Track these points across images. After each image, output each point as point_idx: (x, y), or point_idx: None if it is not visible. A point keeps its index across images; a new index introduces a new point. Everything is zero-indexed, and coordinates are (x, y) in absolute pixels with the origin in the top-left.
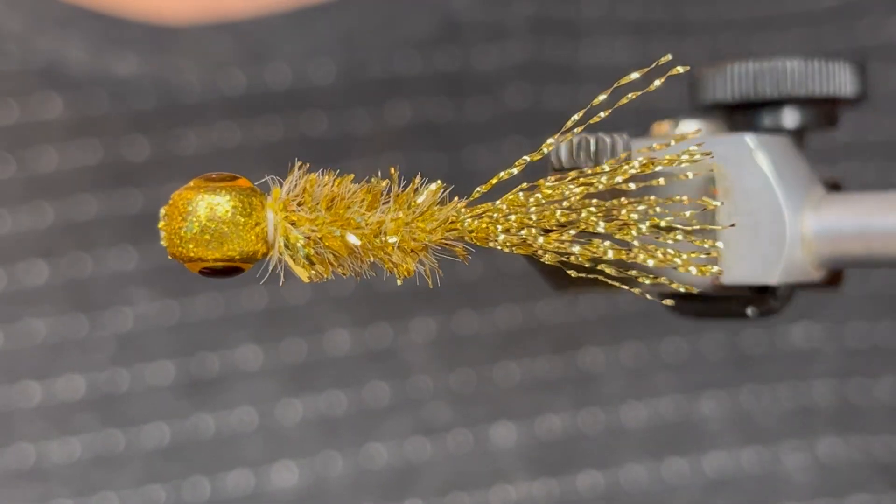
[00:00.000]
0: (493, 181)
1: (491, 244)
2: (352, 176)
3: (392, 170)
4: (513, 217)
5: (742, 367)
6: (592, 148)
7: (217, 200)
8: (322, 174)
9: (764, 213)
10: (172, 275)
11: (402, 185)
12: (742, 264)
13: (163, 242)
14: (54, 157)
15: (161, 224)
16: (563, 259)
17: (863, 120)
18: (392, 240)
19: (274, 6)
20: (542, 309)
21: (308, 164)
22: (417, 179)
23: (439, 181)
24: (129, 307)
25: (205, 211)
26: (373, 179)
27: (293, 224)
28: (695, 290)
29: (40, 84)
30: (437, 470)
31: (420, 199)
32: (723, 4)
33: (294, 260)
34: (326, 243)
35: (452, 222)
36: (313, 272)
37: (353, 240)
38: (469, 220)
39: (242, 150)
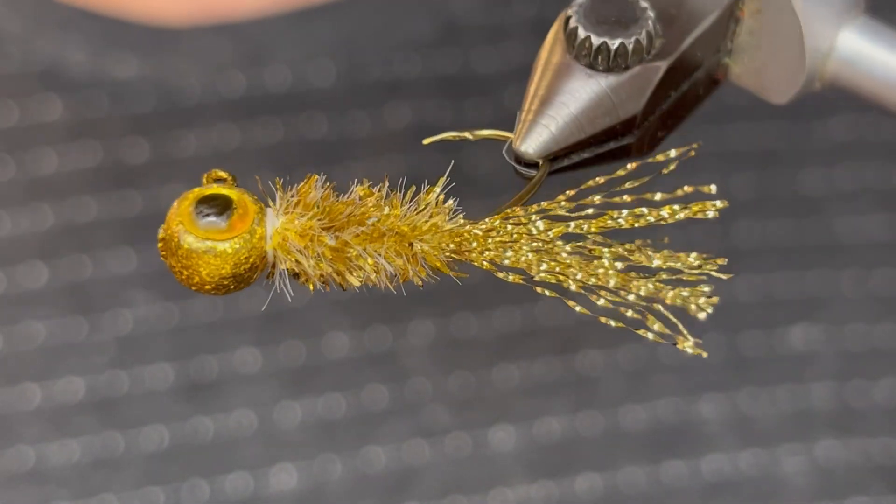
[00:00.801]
0: (504, 208)
1: (500, 274)
2: (352, 198)
3: (397, 203)
4: (526, 253)
5: (740, 370)
6: (611, 55)
7: (215, 254)
8: (322, 195)
9: (788, 44)
10: (171, 278)
11: (403, 191)
12: (754, 75)
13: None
14: (54, 159)
15: (159, 245)
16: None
17: (862, 120)
18: (390, 268)
19: (274, 8)
20: (541, 311)
21: (312, 177)
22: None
23: (432, 190)
24: (128, 310)
25: (203, 267)
26: (375, 193)
27: (293, 259)
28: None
29: (40, 86)
30: (435, 473)
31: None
32: None
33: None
34: (327, 273)
35: (458, 247)
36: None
37: (353, 281)
38: (478, 250)
39: (242, 152)
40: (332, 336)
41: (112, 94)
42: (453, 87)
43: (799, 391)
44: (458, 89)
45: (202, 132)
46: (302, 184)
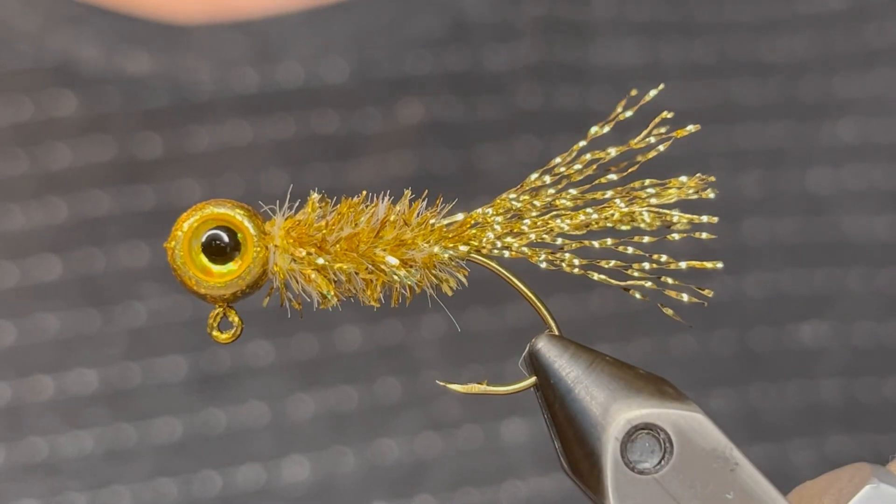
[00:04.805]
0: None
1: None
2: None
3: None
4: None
5: (751, 365)
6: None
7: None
8: (327, 217)
9: None
10: None
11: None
12: None
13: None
14: (67, 153)
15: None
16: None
17: (869, 122)
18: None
19: (286, 6)
20: (553, 305)
21: (321, 201)
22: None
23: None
24: (140, 302)
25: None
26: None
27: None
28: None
29: (54, 82)
30: (447, 465)
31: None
32: (731, 6)
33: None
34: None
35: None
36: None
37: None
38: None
39: (254, 148)
40: (345, 329)
41: (125, 90)
42: (464, 84)
43: (808, 387)
44: (468, 86)
45: (214, 128)
46: (299, 214)
